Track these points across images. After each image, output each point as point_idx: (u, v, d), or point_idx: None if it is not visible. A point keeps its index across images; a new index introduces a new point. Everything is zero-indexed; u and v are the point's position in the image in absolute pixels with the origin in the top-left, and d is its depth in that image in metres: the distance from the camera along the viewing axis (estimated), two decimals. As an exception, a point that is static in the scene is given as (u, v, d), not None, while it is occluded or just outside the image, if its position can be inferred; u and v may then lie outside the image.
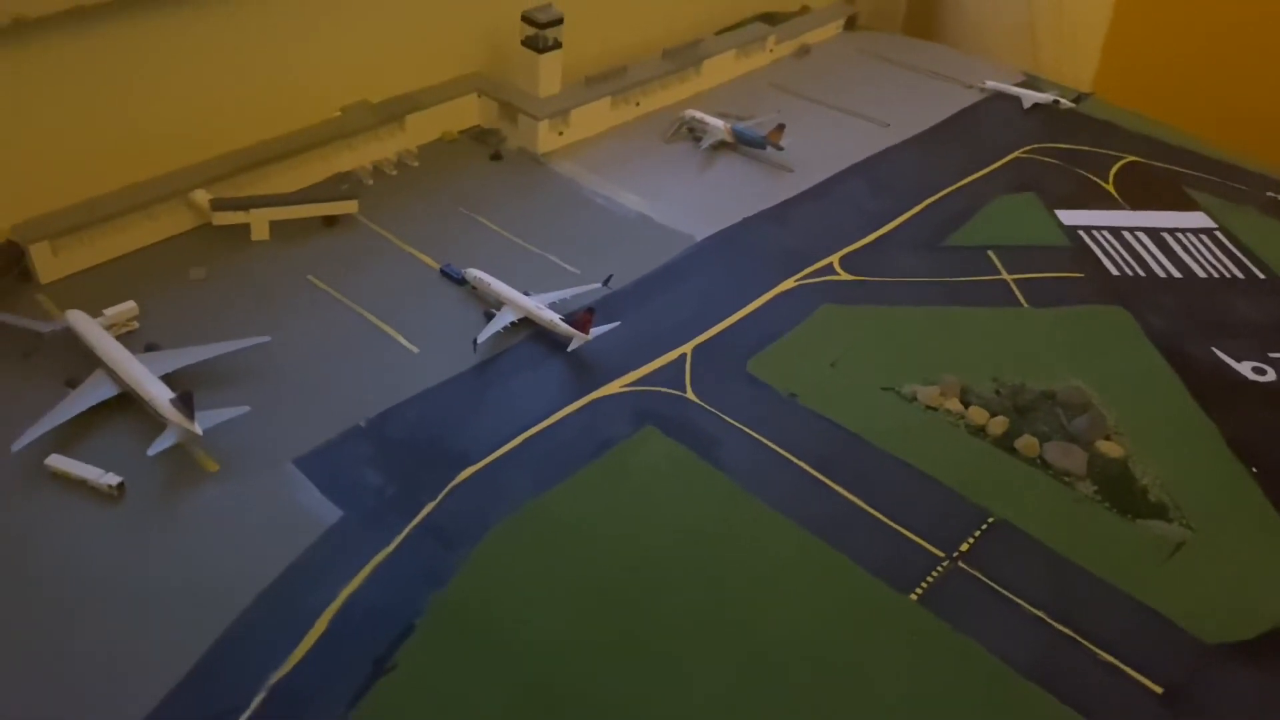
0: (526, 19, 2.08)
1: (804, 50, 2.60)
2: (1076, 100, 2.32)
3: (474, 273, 1.59)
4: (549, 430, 1.35)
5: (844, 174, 1.97)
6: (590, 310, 1.47)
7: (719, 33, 2.66)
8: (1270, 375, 1.55)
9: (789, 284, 1.65)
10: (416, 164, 1.94)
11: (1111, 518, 1.30)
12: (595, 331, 1.47)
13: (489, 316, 1.57)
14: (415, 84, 2.06)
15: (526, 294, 1.57)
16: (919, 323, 1.60)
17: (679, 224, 1.74)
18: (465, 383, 1.43)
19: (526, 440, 1.34)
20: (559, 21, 2.07)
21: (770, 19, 2.78)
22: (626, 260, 1.65)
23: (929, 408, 1.44)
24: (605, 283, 1.59)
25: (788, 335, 1.51)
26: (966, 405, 1.47)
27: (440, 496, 1.27)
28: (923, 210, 1.85)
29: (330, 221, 1.78)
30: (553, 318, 1.53)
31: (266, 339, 1.46)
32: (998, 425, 1.38)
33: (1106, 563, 1.26)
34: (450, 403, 1.41)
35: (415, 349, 1.50)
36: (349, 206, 1.79)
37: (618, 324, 1.47)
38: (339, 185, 1.82)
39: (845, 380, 1.43)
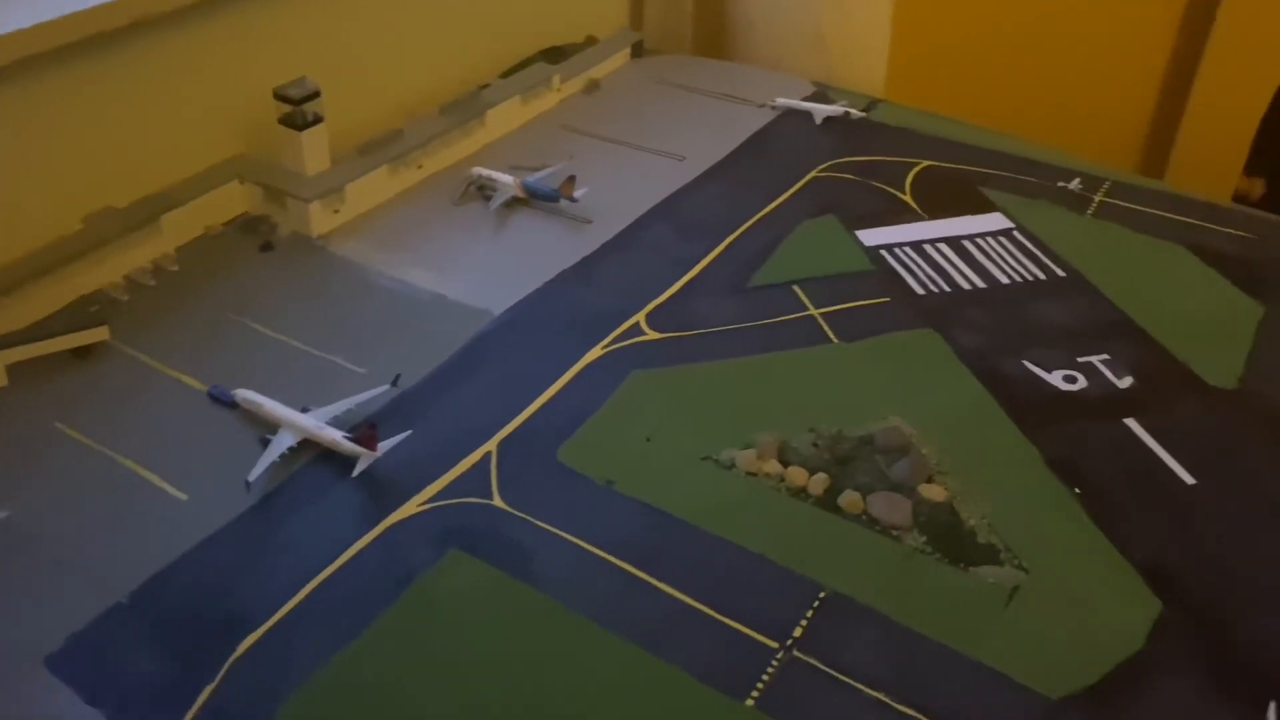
0: (280, 96, 1.86)
1: (593, 85, 2.46)
2: (867, 109, 2.26)
3: (244, 394, 1.41)
4: (341, 572, 1.18)
5: (645, 218, 1.86)
6: (372, 425, 1.31)
7: (504, 75, 2.49)
8: (1081, 382, 1.53)
9: (596, 352, 1.53)
10: (177, 268, 1.72)
11: (944, 570, 1.23)
12: (385, 445, 1.31)
13: (266, 443, 1.40)
14: (168, 179, 1.84)
15: (305, 410, 1.41)
16: (732, 376, 1.51)
17: (475, 299, 1.58)
18: (243, 528, 1.25)
19: (317, 589, 1.16)
20: (316, 95, 1.88)
21: (554, 55, 2.62)
22: (419, 349, 1.48)
23: (749, 474, 1.34)
24: (394, 383, 1.43)
25: (599, 412, 1.38)
26: (786, 465, 1.37)
27: (220, 675, 1.10)
28: (727, 249, 1.74)
29: (81, 353, 1.54)
30: (335, 436, 1.36)
31: (5, 514, 1.23)
32: (818, 484, 1.30)
33: (944, 623, 1.19)
34: (227, 556, 1.22)
35: (184, 495, 1.29)
36: (98, 334, 1.55)
37: (410, 432, 1.32)
38: (88, 308, 1.59)
39: (662, 455, 1.32)
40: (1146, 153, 3.05)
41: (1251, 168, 3.11)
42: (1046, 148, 2.15)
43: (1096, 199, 1.97)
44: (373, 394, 1.48)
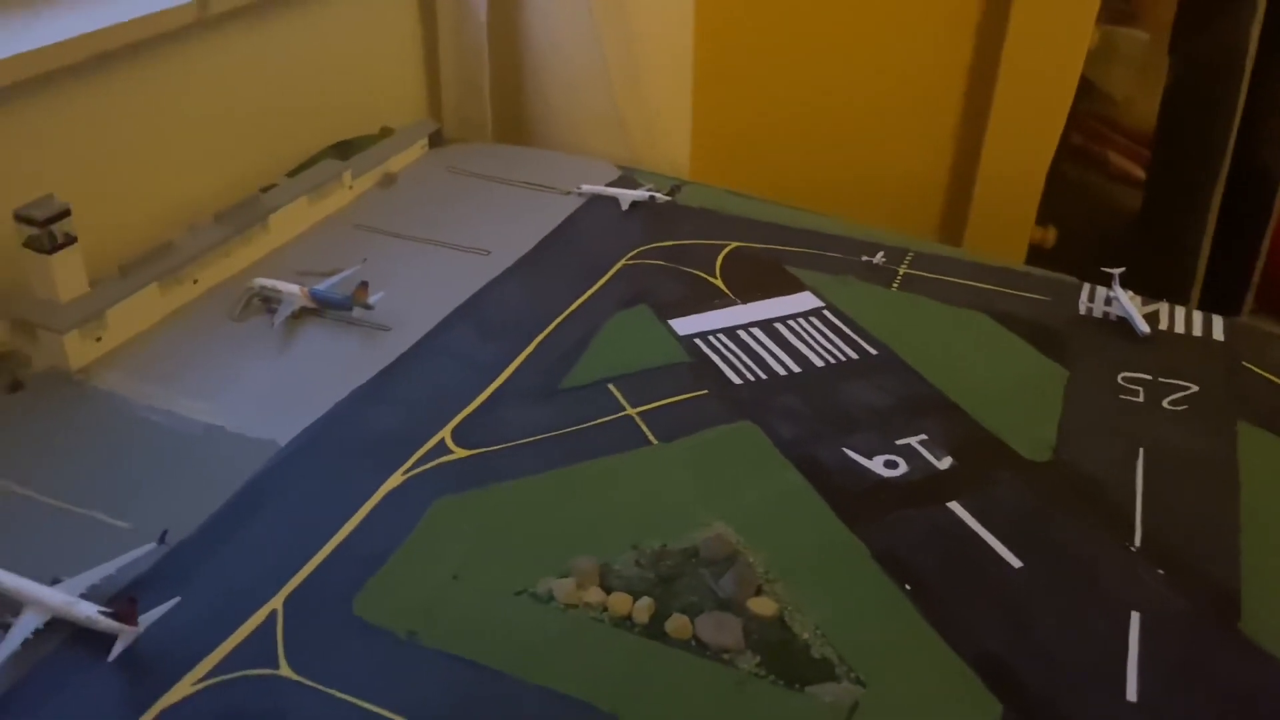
0: (21, 218, 1.67)
1: (389, 179, 2.35)
2: (672, 192, 2.25)
3: (-20, 569, 1.22)
4: (96, 784, 1.01)
5: (447, 321, 1.75)
6: (131, 599, 1.16)
7: (291, 173, 2.35)
8: (902, 467, 1.50)
9: (396, 479, 1.40)
10: (-99, 420, 1.51)
11: (779, 693, 1.17)
12: (148, 617, 1.16)
13: (7, 627, 1.22)
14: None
15: (56, 581, 1.24)
16: (548, 493, 1.41)
17: (257, 429, 1.44)
18: (-27, 742, 1.06)
19: (62, 810, 1.00)
20: (66, 214, 1.69)
21: (346, 149, 2.49)
22: (192, 494, 1.32)
23: (568, 605, 1.24)
24: (161, 540, 1.27)
25: (400, 550, 1.26)
26: (609, 591, 1.28)
27: None
28: (536, 349, 1.65)
29: None
30: (89, 613, 1.20)
31: None
32: (643, 610, 1.21)
33: (785, 755, 1.14)
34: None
35: None
36: None
37: (178, 600, 1.17)
38: None
39: (472, 594, 1.21)
40: (946, 213, 3.16)
41: (1043, 217, 3.26)
42: (850, 223, 2.16)
43: (900, 271, 1.98)
44: (136, 554, 1.30)
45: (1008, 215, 3.18)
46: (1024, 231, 3.15)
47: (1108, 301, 1.87)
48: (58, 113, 1.80)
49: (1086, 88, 3.10)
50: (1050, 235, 3.36)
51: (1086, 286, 1.95)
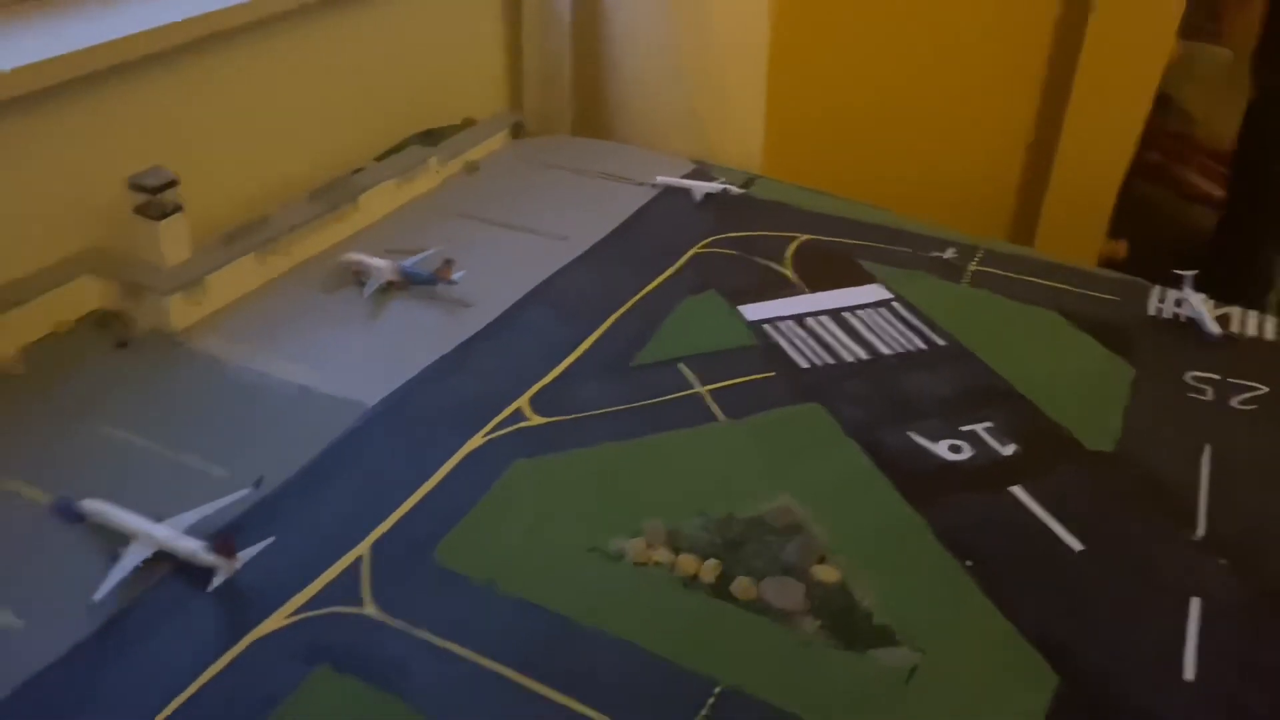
0: (135, 186, 1.77)
1: (472, 167, 2.44)
2: (745, 185, 2.29)
3: (93, 504, 1.30)
4: (195, 700, 1.07)
5: (525, 300, 1.83)
6: (229, 535, 1.22)
7: (378, 158, 2.44)
8: (966, 451, 1.53)
9: (476, 441, 1.46)
10: (21, 370, 1.60)
11: (840, 655, 1.20)
12: (245, 554, 1.23)
13: (118, 557, 1.31)
14: (11, 274, 1.73)
15: (159, 520, 1.31)
16: (620, 461, 1.46)
17: (346, 390, 1.52)
18: (86, 656, 1.13)
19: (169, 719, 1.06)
20: (174, 183, 1.79)
21: (431, 137, 2.58)
22: (284, 448, 1.40)
23: (638, 563, 1.29)
24: (256, 485, 1.35)
25: (479, 505, 1.32)
26: (676, 552, 1.33)
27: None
28: (609, 328, 1.71)
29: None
30: (191, 547, 1.28)
31: None
32: (710, 570, 1.26)
33: (843, 712, 1.16)
34: (66, 688, 1.10)
35: (21, 622, 1.17)
36: (-74, 448, 1.40)
37: (272, 539, 1.24)
38: (-87, 419, 1.48)
39: (547, 548, 1.27)
40: (1015, 222, 3.16)
41: (1115, 231, 3.24)
42: (921, 220, 2.20)
43: (970, 268, 2.01)
44: (233, 498, 1.39)
45: (1079, 226, 3.18)
46: (1094, 244, 3.14)
47: (1178, 303, 1.87)
48: (167, 90, 1.91)
49: (1164, 103, 3.09)
50: (1121, 249, 3.34)
51: (1157, 288, 1.96)
